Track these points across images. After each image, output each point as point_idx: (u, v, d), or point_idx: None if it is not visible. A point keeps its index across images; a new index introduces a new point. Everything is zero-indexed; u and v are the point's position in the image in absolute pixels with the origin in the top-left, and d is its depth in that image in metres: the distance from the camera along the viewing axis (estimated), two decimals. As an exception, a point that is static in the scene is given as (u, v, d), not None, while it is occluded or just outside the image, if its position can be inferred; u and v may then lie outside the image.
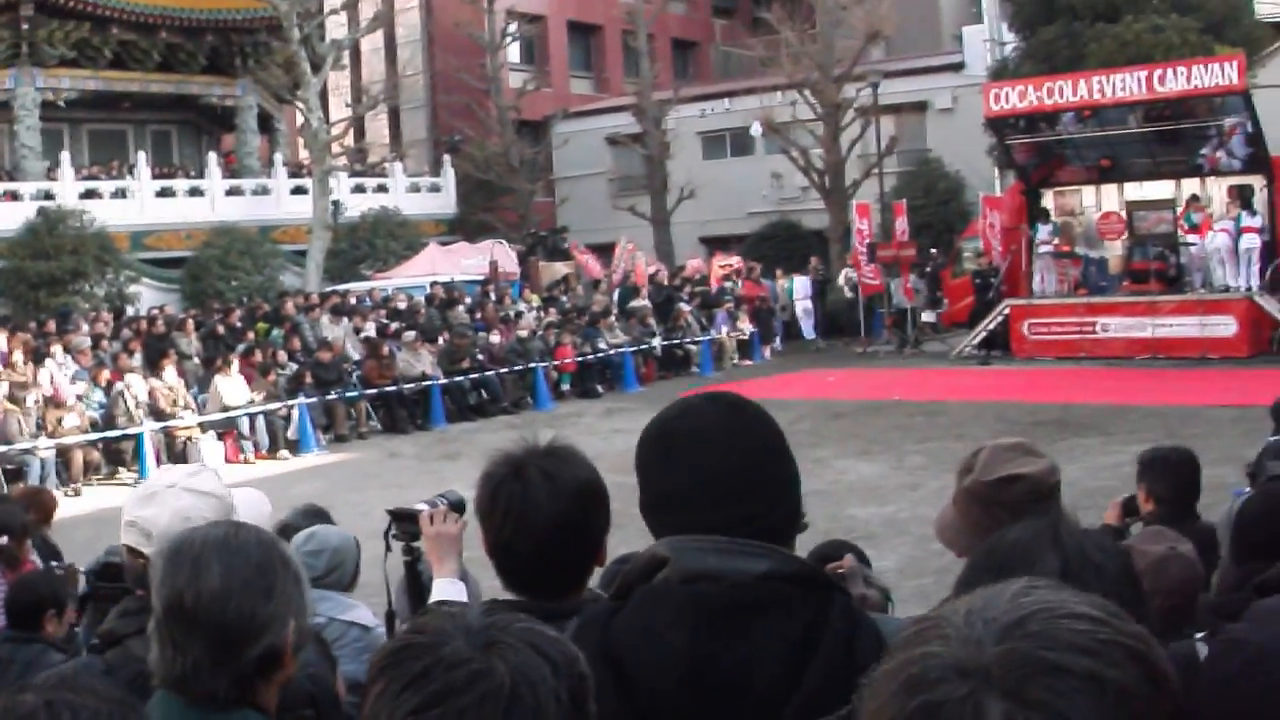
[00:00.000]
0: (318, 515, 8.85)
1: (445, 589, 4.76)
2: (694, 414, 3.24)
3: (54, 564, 11.17)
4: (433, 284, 42.12)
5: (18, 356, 29.35)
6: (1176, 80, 34.67)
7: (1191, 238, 36.16)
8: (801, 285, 46.45)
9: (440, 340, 34.83)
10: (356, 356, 33.86)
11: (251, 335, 35.56)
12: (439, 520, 4.88)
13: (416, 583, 5.26)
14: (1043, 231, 38.18)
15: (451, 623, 2.37)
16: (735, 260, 49.34)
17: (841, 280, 44.72)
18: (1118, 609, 1.75)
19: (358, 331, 35.21)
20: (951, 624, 1.75)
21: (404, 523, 5.14)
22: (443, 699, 2.23)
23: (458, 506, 5.04)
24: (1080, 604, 1.74)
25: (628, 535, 4.05)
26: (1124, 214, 38.44)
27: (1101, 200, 39.28)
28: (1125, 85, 35.40)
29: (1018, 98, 37.44)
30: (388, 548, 5.26)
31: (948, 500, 4.72)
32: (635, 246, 50.19)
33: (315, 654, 4.95)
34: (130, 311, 41.14)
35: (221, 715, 3.17)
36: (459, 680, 2.24)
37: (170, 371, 28.95)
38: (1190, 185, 37.30)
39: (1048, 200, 39.71)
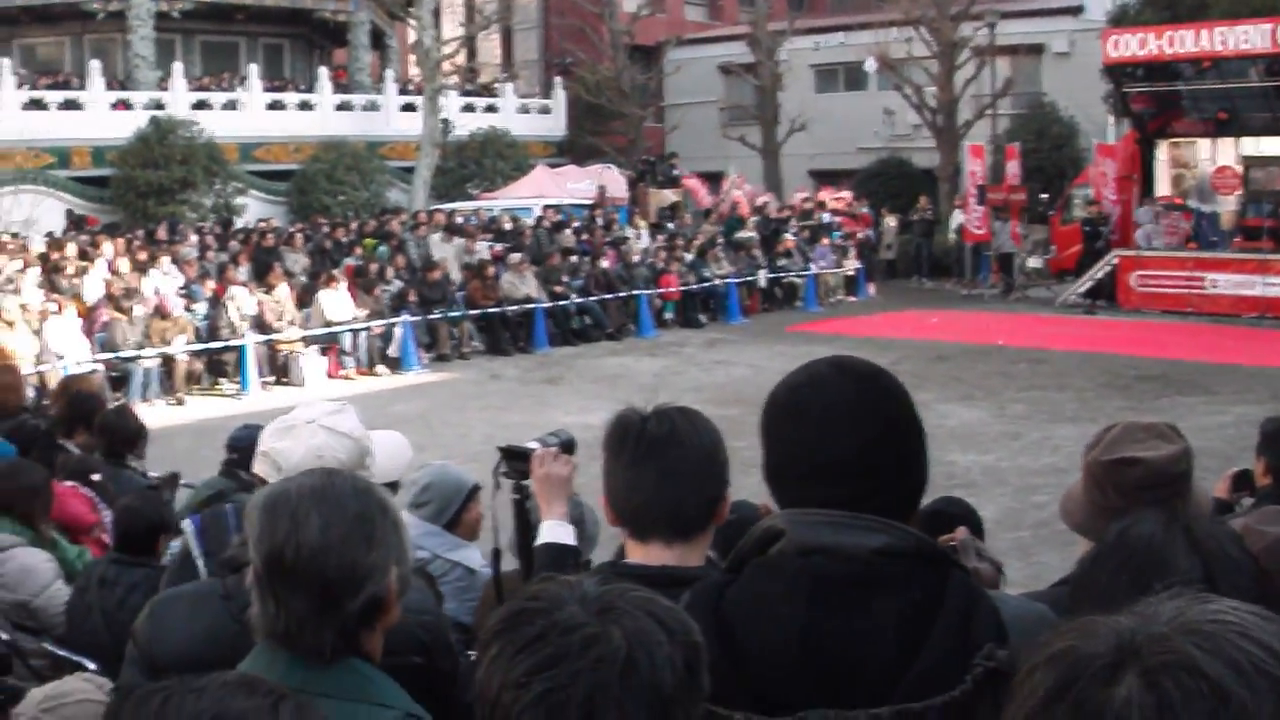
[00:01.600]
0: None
1: (554, 531, 4.70)
2: (822, 384, 3.15)
3: (153, 475, 11.26)
4: (544, 207, 42.08)
5: (123, 265, 29.58)
6: (1301, 34, 34.14)
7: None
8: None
9: (543, 263, 34.84)
10: (458, 276, 33.87)
11: (359, 251, 35.69)
12: (549, 461, 4.78)
13: (525, 522, 5.16)
14: (1144, 215, 37.84)
15: (568, 589, 2.38)
16: (846, 194, 49.16)
17: (953, 223, 44.37)
18: None
19: (470, 252, 35.19)
20: (1149, 603, 1.82)
21: (515, 460, 5.01)
22: (557, 662, 2.23)
23: (568, 447, 4.96)
24: (1271, 635, 1.74)
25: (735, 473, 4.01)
26: (1239, 169, 37.99)
27: (1217, 154, 38.86)
28: (1248, 37, 34.82)
29: (1137, 45, 36.98)
30: (496, 485, 5.16)
31: (1077, 477, 4.62)
32: (744, 178, 50.11)
33: (428, 594, 4.95)
34: (238, 223, 41.41)
35: (327, 666, 3.15)
36: (574, 644, 2.25)
37: (283, 287, 29.08)
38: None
39: (1162, 151, 39.33)
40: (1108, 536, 3.26)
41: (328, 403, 4.63)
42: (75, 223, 40.73)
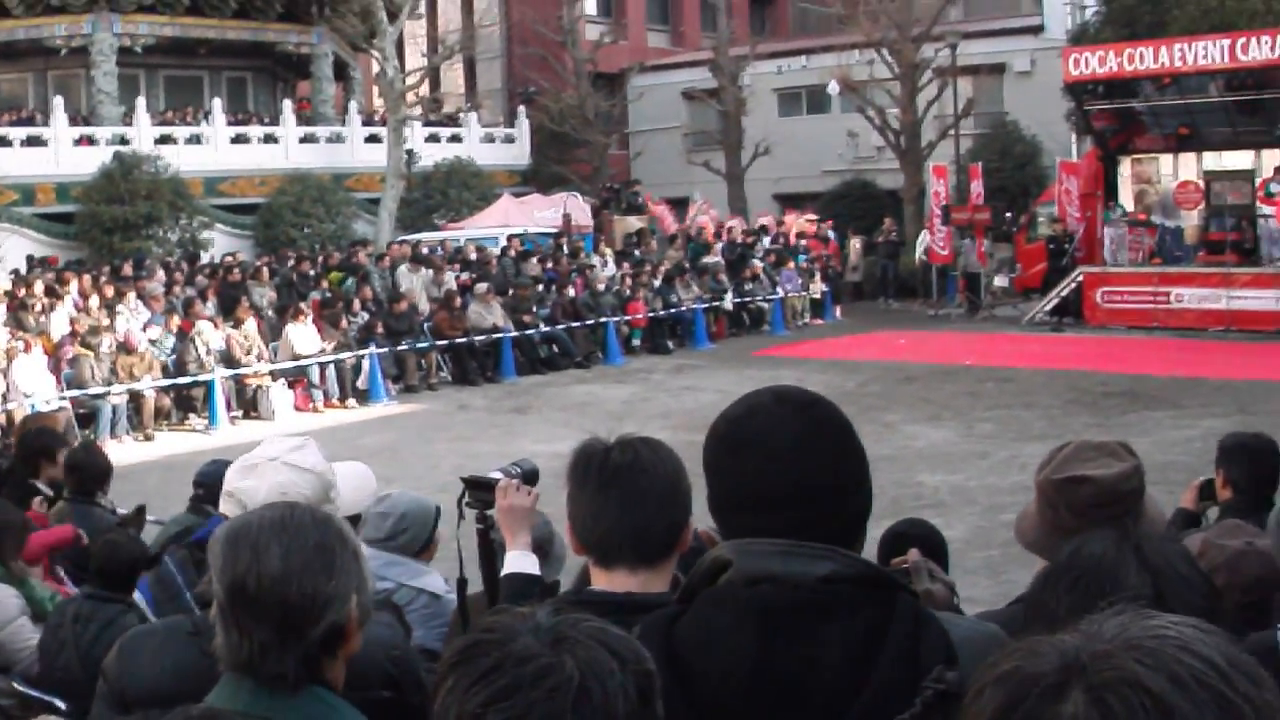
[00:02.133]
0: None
1: (517, 561, 4.77)
2: (761, 414, 3.18)
3: (120, 512, 11.27)
4: (509, 237, 42.07)
5: (94, 301, 29.55)
6: (1260, 49, 34.26)
7: (1269, 209, 35.87)
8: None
9: (510, 293, 34.87)
10: (426, 307, 33.88)
11: (325, 284, 35.69)
12: (511, 492, 4.84)
13: (489, 551, 5.19)
14: (1112, 217, 38.00)
15: (521, 620, 2.40)
16: (812, 218, 49.25)
17: (919, 244, 44.48)
18: (1253, 665, 1.78)
19: (438, 284, 35.19)
20: (1092, 621, 1.85)
21: (478, 491, 5.07)
22: (512, 693, 2.25)
23: (531, 477, 5.02)
24: (1210, 648, 1.77)
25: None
26: (1201, 184, 38.17)
27: (1179, 169, 39.02)
28: (1207, 53, 34.99)
29: (1097, 63, 37.16)
30: (460, 515, 5.22)
31: (1032, 498, 4.67)
32: (709, 203, 50.23)
33: (398, 629, 4.98)
34: (204, 258, 41.34)
35: (290, 694, 3.19)
36: (528, 675, 2.26)
37: (250, 321, 29.09)
38: (1271, 156, 36.97)
39: (1124, 168, 39.51)
40: (1059, 556, 3.29)
41: (289, 439, 4.67)
42: (38, 263, 40.68)
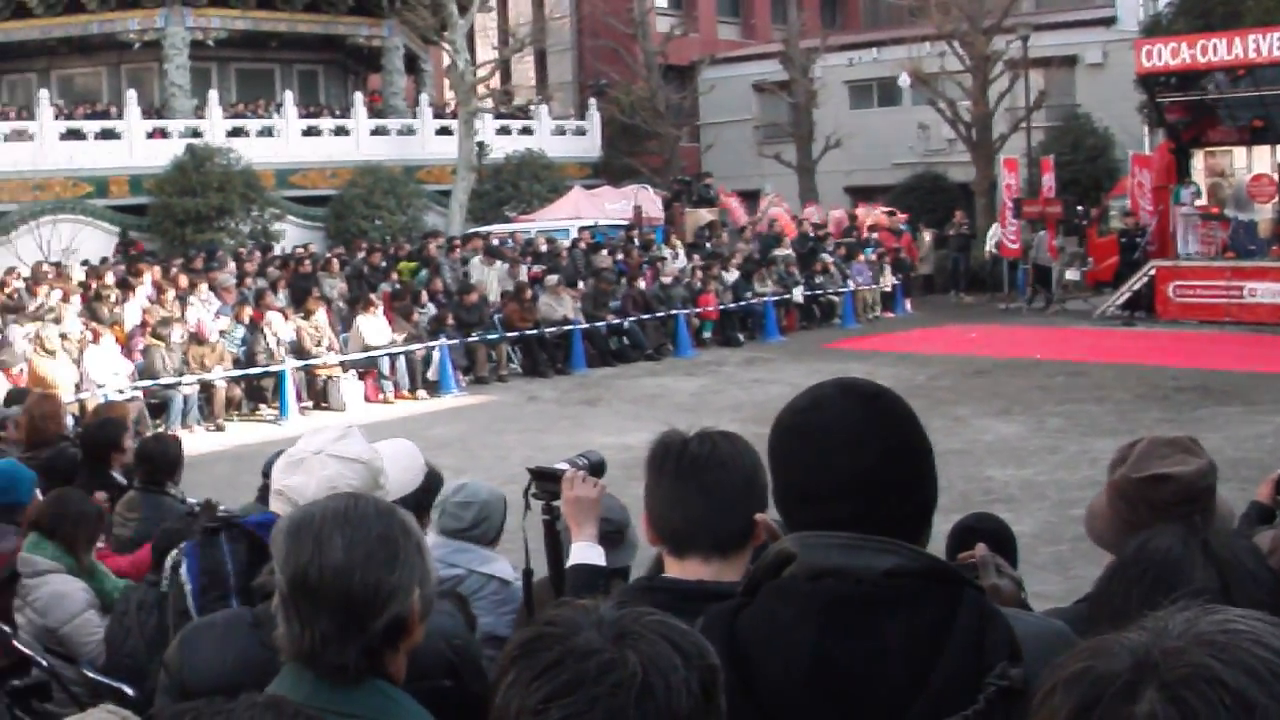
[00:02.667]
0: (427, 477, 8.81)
1: (583, 552, 4.78)
2: (826, 405, 3.16)
3: (190, 501, 11.34)
4: (580, 229, 42.16)
5: (169, 294, 29.69)
6: (1335, 40, 33.98)
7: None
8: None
9: (581, 285, 34.87)
10: (496, 299, 33.92)
11: (395, 275, 35.78)
12: (577, 484, 4.86)
13: (555, 542, 5.22)
14: (1184, 194, 37.65)
15: (584, 614, 2.38)
16: (884, 210, 49.02)
17: (989, 237, 44.26)
18: None
19: (513, 276, 35.23)
20: (1158, 618, 1.83)
21: (545, 481, 5.08)
22: (574, 688, 2.23)
23: (597, 469, 5.05)
24: (1277, 638, 1.76)
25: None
26: (1275, 176, 37.79)
27: (1253, 162, 38.63)
28: (1281, 44, 34.70)
29: (1170, 55, 36.79)
30: (527, 506, 5.24)
31: (1101, 490, 4.63)
32: (780, 196, 50.11)
33: (459, 618, 4.97)
34: (276, 249, 41.52)
35: (351, 686, 3.19)
36: (590, 670, 2.25)
37: (320, 313, 29.19)
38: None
39: (1198, 160, 39.16)
40: (1126, 551, 3.27)
41: (331, 429, 4.64)
42: (124, 246, 41.13)
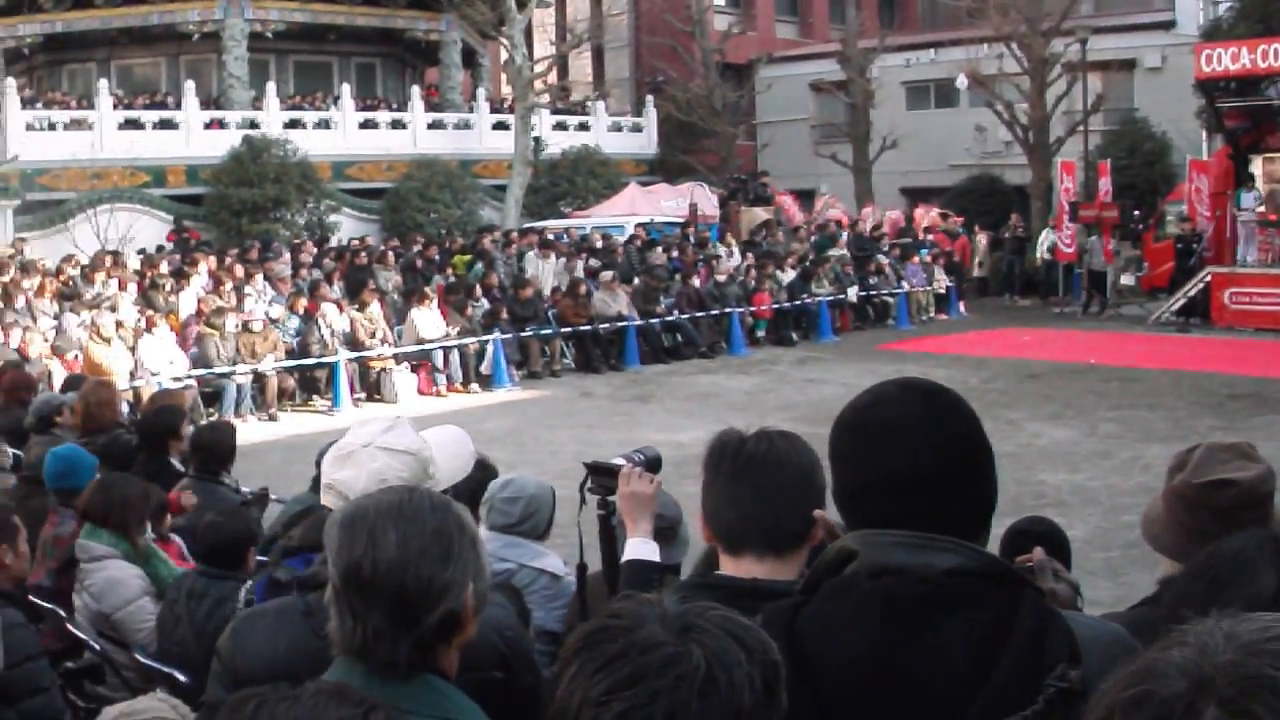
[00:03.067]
0: (475, 465, 8.77)
1: (638, 548, 4.76)
2: (887, 403, 3.17)
3: (245, 490, 11.41)
4: (637, 225, 42.17)
5: (226, 284, 29.81)
6: (1397, 45, 33.73)
7: None
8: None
9: (636, 281, 34.87)
10: (548, 293, 33.96)
11: (450, 269, 35.83)
12: (634, 479, 4.83)
13: (610, 538, 5.22)
14: (1247, 199, 37.42)
15: (648, 607, 2.39)
16: (940, 212, 48.88)
17: (1041, 242, 44.14)
18: None
19: (569, 271, 35.27)
20: (1194, 633, 1.81)
21: (601, 476, 5.09)
22: (637, 681, 2.24)
23: (654, 465, 5.04)
24: None
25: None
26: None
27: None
28: (1341, 49, 34.44)
29: (1230, 59, 36.55)
30: (583, 500, 5.21)
31: (1157, 495, 4.62)
32: (836, 197, 50.06)
33: (511, 611, 4.98)
34: (331, 241, 41.63)
35: (402, 681, 3.18)
36: (654, 663, 2.26)
37: (375, 305, 29.23)
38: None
39: (1256, 166, 38.85)
40: (1203, 553, 3.25)
41: (379, 420, 4.64)
42: (179, 234, 41.38)
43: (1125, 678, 1.81)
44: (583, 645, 2.35)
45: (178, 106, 46.58)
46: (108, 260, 32.76)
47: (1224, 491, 4.25)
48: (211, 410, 25.34)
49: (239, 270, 31.34)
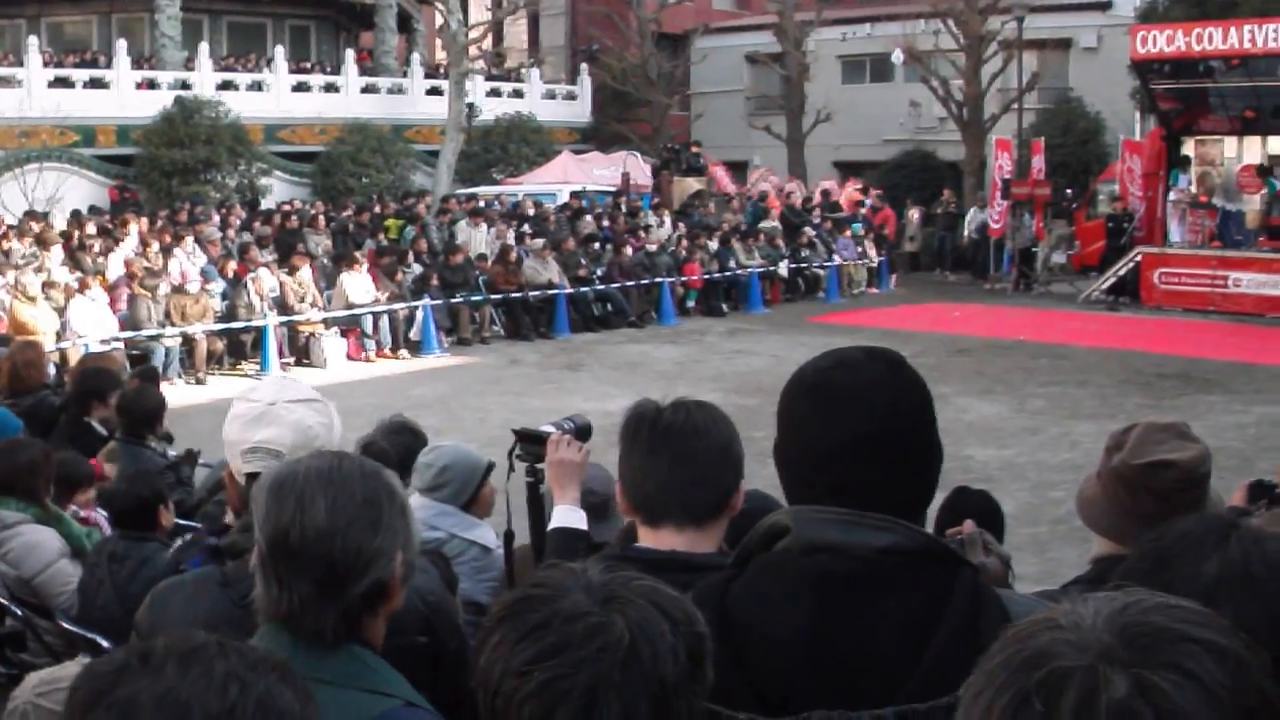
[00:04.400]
0: (404, 431, 8.75)
1: (565, 515, 4.76)
2: (852, 368, 3.13)
3: (172, 454, 11.33)
4: (572, 194, 42.15)
5: (154, 246, 29.64)
6: (1332, 34, 33.90)
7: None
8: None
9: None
10: (477, 257, 33.87)
11: (382, 234, 35.72)
12: (562, 447, 4.83)
13: (537, 505, 5.23)
14: (1182, 181, 37.66)
15: (572, 577, 2.38)
16: (856, 186, 49.00)
17: (968, 221, 44.38)
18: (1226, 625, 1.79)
19: (499, 237, 35.20)
20: (1064, 615, 1.80)
21: (529, 444, 5.10)
22: (560, 651, 2.23)
23: (583, 433, 5.03)
24: (1194, 608, 1.81)
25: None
26: (1256, 169, 37.81)
27: (1243, 152, 38.62)
28: (1277, 35, 34.46)
29: (1165, 41, 36.68)
30: (511, 467, 5.22)
31: (1091, 474, 4.60)
32: (771, 170, 50.12)
33: (435, 575, 4.94)
34: (263, 204, 41.44)
35: (329, 651, 3.13)
36: (577, 633, 2.25)
37: (305, 269, 29.08)
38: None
39: (1188, 148, 39.08)
40: (1152, 534, 3.21)
41: (267, 382, 4.53)
42: (121, 191, 41.19)
43: (1018, 663, 1.76)
44: (505, 614, 2.32)
45: (109, 65, 46.19)
46: (34, 221, 32.47)
47: (1164, 473, 4.26)
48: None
49: (166, 234, 31.10)
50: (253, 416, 4.32)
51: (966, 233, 44.56)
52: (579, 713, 2.21)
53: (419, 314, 29.89)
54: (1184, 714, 1.64)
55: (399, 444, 8.25)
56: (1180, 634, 1.72)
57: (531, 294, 32.25)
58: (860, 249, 41.29)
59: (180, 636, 2.12)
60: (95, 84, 45.05)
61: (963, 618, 2.84)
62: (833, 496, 3.01)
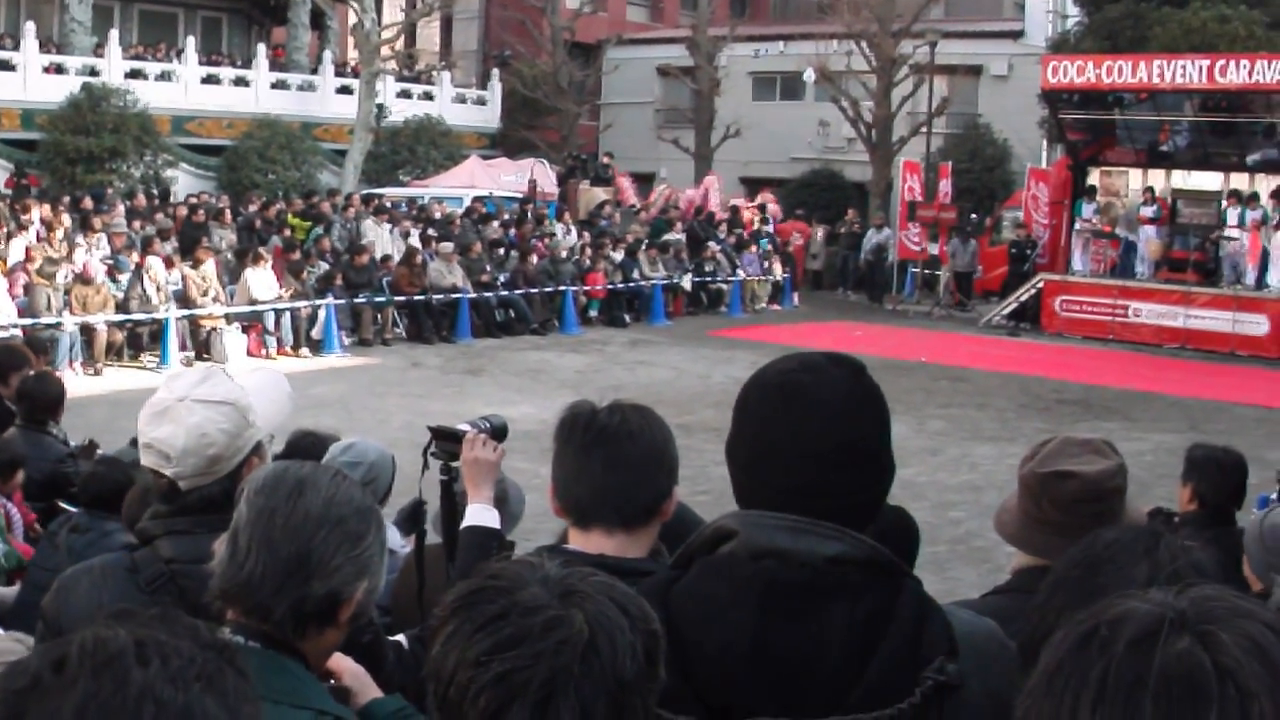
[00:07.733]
0: (309, 435, 8.68)
1: (479, 514, 4.78)
2: (817, 371, 3.12)
3: (71, 444, 11.21)
4: (474, 198, 42.04)
5: (59, 233, 29.38)
6: (1238, 73, 34.21)
7: (1233, 232, 35.93)
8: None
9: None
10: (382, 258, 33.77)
11: (287, 231, 35.53)
12: (478, 446, 4.84)
13: (451, 503, 5.19)
14: (1086, 210, 38.03)
15: (529, 570, 2.36)
16: (750, 205, 49.03)
17: (865, 242, 44.69)
18: None
19: (405, 236, 35.10)
20: (1140, 594, 1.90)
21: (445, 441, 5.09)
22: (519, 642, 2.21)
23: (499, 433, 5.03)
24: (1260, 602, 1.91)
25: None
26: (1168, 201, 38.24)
27: (1147, 184, 39.05)
28: (1185, 72, 34.91)
29: (1075, 72, 37.11)
30: (425, 465, 5.22)
31: (1013, 490, 4.63)
32: (676, 190, 50.15)
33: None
34: (173, 196, 41.11)
35: (258, 667, 3.07)
36: (536, 625, 2.23)
37: (209, 263, 28.89)
38: (1238, 180, 37.03)
39: (1094, 178, 39.49)
40: (1081, 543, 3.23)
41: (192, 372, 4.46)
42: (18, 179, 40.63)
43: (1086, 619, 1.87)
44: (460, 605, 2.30)
45: (15, 48, 45.57)
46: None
47: (1065, 483, 4.29)
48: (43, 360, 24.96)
49: (66, 220, 30.84)
50: (158, 410, 4.23)
51: (863, 255, 44.79)
52: (535, 706, 2.19)
53: (322, 313, 29.78)
54: (1241, 672, 1.71)
55: (298, 447, 8.20)
56: (1248, 611, 1.80)
57: (435, 297, 32.20)
58: (766, 264, 41.43)
59: (98, 639, 2.02)
60: (1, 66, 44.50)
61: (908, 629, 2.84)
62: (788, 500, 2.99)
